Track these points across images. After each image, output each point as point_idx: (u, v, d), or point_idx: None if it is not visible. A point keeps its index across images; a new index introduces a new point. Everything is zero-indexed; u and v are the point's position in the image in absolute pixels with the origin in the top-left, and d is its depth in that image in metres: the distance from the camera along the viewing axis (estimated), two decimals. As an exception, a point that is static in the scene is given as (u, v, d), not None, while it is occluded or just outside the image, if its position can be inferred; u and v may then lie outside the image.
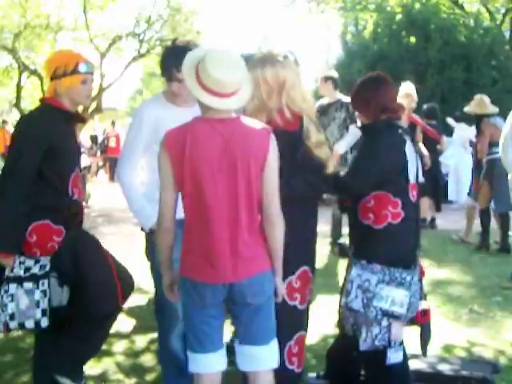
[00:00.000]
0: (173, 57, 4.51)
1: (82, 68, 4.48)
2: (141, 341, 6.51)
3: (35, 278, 4.30)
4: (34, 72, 18.24)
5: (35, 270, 4.32)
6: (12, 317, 4.28)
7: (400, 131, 4.60)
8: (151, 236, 4.59)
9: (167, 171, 3.66)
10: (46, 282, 4.30)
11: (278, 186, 3.76)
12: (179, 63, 4.22)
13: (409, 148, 4.56)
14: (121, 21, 18.24)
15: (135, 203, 4.71)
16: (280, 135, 4.01)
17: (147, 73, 39.36)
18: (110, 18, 18.11)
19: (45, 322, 4.29)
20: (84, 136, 25.73)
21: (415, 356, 5.29)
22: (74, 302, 4.39)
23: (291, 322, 4.30)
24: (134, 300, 7.75)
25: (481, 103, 10.87)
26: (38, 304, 4.28)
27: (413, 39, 20.64)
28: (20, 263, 4.34)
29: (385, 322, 4.37)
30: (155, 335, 5.52)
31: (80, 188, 4.64)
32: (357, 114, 4.85)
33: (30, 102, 21.24)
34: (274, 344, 3.86)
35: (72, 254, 4.36)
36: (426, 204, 12.73)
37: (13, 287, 4.30)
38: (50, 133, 4.37)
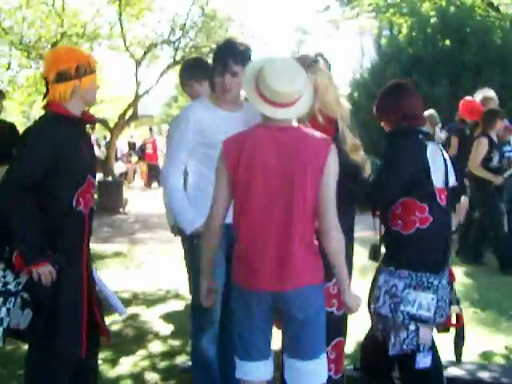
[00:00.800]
0: (229, 48, 4.55)
1: (95, 67, 4.37)
2: (177, 343, 6.60)
3: (7, 294, 4.11)
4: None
5: (11, 286, 4.14)
6: None
7: (421, 137, 4.66)
8: (190, 240, 4.64)
9: (223, 173, 3.67)
10: (13, 300, 4.11)
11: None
12: (236, 55, 4.35)
13: (432, 153, 4.61)
14: (156, 29, 18.32)
15: (179, 206, 4.66)
16: None
17: (182, 80, 39.53)
18: (145, 26, 18.19)
19: (2, 342, 4.12)
20: (121, 142, 25.90)
21: (454, 363, 5.26)
22: (33, 330, 4.15)
23: (328, 328, 4.18)
24: (172, 305, 7.85)
25: None
26: (1, 322, 4.08)
27: (448, 42, 20.49)
28: (3, 276, 4.18)
29: (412, 327, 4.42)
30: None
31: (91, 195, 4.40)
32: (382, 123, 4.89)
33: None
34: (322, 358, 3.82)
35: (54, 283, 4.14)
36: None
37: None
38: (55, 147, 4.13)
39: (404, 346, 4.43)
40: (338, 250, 3.72)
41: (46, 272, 4.06)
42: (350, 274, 4.38)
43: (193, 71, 5.65)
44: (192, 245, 4.65)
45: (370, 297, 4.72)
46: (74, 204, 4.20)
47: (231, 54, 4.48)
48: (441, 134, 12.32)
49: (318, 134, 3.75)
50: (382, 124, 4.87)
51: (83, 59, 4.30)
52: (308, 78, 4.15)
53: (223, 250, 4.37)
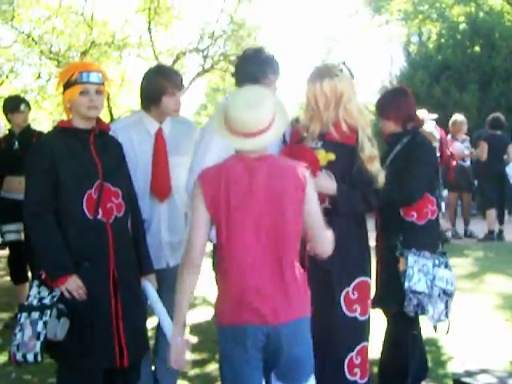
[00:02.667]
0: (259, 58, 4.54)
1: (82, 77, 4.19)
2: (206, 351, 6.61)
3: (42, 308, 4.07)
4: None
5: (46, 300, 4.10)
6: (18, 348, 4.05)
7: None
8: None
9: (201, 209, 3.53)
10: (48, 312, 4.04)
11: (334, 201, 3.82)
12: (272, 67, 4.39)
13: None
14: (185, 37, 18.43)
15: None
16: (337, 147, 4.22)
17: (211, 88, 39.61)
18: (174, 35, 18.28)
19: (40, 357, 4.02)
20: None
21: (485, 371, 5.31)
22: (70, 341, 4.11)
23: (352, 333, 4.31)
24: (200, 313, 7.87)
25: None
26: (38, 336, 4.02)
27: (477, 48, 20.42)
28: (38, 292, 4.16)
29: (444, 299, 4.85)
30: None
31: (115, 204, 4.29)
32: (383, 122, 5.07)
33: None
34: (312, 380, 3.73)
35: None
36: (493, 216, 12.62)
37: (23, 316, 4.09)
38: (53, 157, 4.13)
39: (441, 317, 4.83)
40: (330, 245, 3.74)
41: (73, 286, 4.07)
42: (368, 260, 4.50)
43: None
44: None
45: (380, 290, 4.93)
46: (86, 214, 4.16)
47: (268, 67, 4.48)
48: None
49: (292, 163, 3.69)
50: (385, 124, 5.07)
51: (64, 74, 4.32)
52: (330, 86, 4.22)
53: None
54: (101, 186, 4.22)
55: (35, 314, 4.06)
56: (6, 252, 8.37)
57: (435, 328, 4.89)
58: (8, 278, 8.54)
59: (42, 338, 4.01)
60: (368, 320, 4.44)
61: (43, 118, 21.95)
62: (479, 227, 13.41)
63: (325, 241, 3.70)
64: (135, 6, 17.06)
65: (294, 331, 3.56)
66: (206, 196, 3.51)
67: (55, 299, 4.08)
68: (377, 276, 4.97)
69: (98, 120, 4.40)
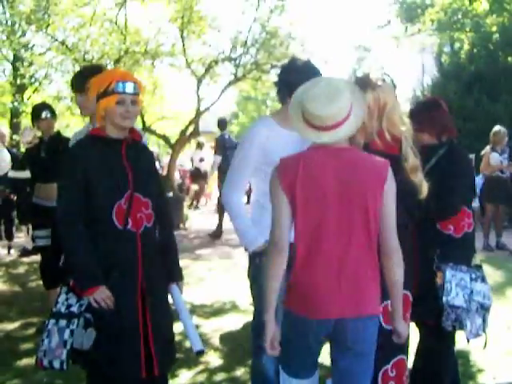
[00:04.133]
0: (309, 72, 4.44)
1: (118, 87, 4.23)
2: (235, 357, 6.65)
3: (70, 316, 4.14)
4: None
5: (74, 308, 4.16)
6: (44, 354, 4.12)
7: None
8: (255, 258, 4.66)
9: (280, 196, 3.57)
10: (76, 321, 4.12)
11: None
12: (307, 74, 4.28)
13: None
14: (217, 46, 18.45)
15: (241, 224, 4.69)
16: (381, 157, 4.16)
17: (243, 96, 39.70)
18: (206, 44, 18.32)
19: (66, 365, 4.09)
20: (185, 159, 26.02)
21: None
22: (97, 351, 4.17)
23: (387, 345, 4.20)
24: (231, 318, 7.90)
25: None
26: (65, 344, 4.09)
27: (510, 59, 20.32)
28: (66, 299, 4.22)
29: (481, 314, 4.82)
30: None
31: (145, 214, 4.32)
32: (417, 134, 4.86)
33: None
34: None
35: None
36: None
37: (51, 323, 4.16)
38: (85, 166, 4.17)
39: (479, 332, 4.83)
40: (397, 279, 3.70)
41: (102, 297, 4.11)
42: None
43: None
44: (255, 264, 4.70)
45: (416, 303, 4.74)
46: (116, 224, 4.20)
47: (304, 73, 4.39)
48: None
49: (374, 157, 3.73)
50: (419, 136, 4.91)
51: (99, 83, 4.33)
52: (373, 97, 4.24)
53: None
54: (131, 196, 4.26)
55: (62, 322, 4.13)
56: (38, 257, 8.44)
57: (468, 341, 4.86)
58: (40, 283, 8.61)
59: (68, 346, 4.08)
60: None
61: (76, 125, 22.14)
62: (509, 239, 13.38)
63: (390, 240, 3.67)
64: (168, 15, 17.13)
65: (362, 327, 3.62)
66: (284, 185, 3.55)
67: (83, 308, 4.13)
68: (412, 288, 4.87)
69: (131, 129, 4.44)
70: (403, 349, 4.42)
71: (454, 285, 4.71)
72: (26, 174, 8.60)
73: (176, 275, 4.61)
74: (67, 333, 4.09)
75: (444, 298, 4.69)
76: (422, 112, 5.10)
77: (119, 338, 4.16)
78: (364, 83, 4.30)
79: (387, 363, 4.33)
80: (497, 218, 13.12)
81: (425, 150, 4.88)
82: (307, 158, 3.62)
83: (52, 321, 4.17)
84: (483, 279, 4.88)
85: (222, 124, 15.58)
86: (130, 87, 4.27)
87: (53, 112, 8.04)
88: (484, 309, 4.85)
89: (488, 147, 12.56)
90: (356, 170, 3.58)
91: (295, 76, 4.44)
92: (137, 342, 4.22)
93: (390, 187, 3.63)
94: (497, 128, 12.83)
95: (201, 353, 4.47)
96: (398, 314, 3.81)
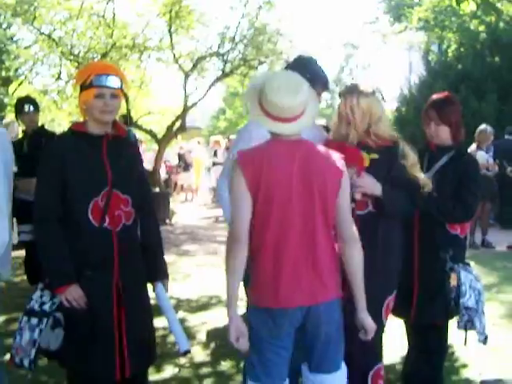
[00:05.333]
0: (303, 68, 4.42)
1: (97, 81, 4.12)
2: (221, 351, 6.66)
3: (41, 315, 4.07)
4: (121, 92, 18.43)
5: (47, 306, 4.10)
6: (16, 351, 4.10)
7: None
8: None
9: (243, 190, 3.56)
10: (45, 320, 4.05)
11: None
12: (322, 79, 4.44)
13: None
14: (205, 41, 18.43)
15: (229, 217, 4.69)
16: (375, 151, 4.28)
17: (230, 92, 39.63)
18: (194, 39, 18.30)
19: (34, 365, 4.09)
20: (171, 154, 25.98)
21: (501, 381, 5.38)
22: (66, 351, 4.13)
23: (381, 344, 4.34)
24: (218, 317, 7.87)
25: None
26: (34, 343, 4.04)
27: (497, 59, 20.35)
28: (40, 296, 4.16)
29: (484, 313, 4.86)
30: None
31: (124, 212, 4.23)
32: (439, 129, 4.88)
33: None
34: (343, 368, 3.85)
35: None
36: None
37: (24, 320, 4.10)
38: (62, 163, 4.08)
39: (486, 331, 4.85)
40: (357, 267, 3.74)
41: (73, 296, 4.04)
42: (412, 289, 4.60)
43: None
44: None
45: (422, 303, 4.81)
46: (92, 221, 4.11)
47: (317, 74, 4.50)
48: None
49: (329, 149, 3.79)
50: (440, 131, 4.88)
51: (82, 73, 4.25)
52: (367, 103, 4.30)
53: None
54: (109, 193, 4.16)
55: (34, 320, 4.08)
56: (23, 252, 8.39)
57: (466, 340, 4.85)
58: (25, 278, 8.57)
59: (36, 345, 4.05)
60: (379, 338, 4.39)
61: (62, 119, 22.04)
62: (497, 238, 13.47)
63: (348, 227, 3.74)
64: (156, 9, 17.09)
65: (331, 310, 3.66)
66: (246, 177, 3.54)
67: (54, 307, 4.07)
68: (414, 288, 4.81)
69: (115, 124, 4.35)
70: (380, 357, 4.46)
71: (468, 286, 4.72)
72: (13, 168, 8.48)
73: (160, 273, 4.52)
74: (37, 332, 4.04)
75: (460, 300, 4.69)
76: (450, 106, 4.94)
77: (92, 338, 4.08)
78: (359, 89, 4.37)
79: (380, 361, 4.39)
80: (482, 216, 13.13)
81: (436, 149, 4.91)
82: (269, 151, 3.63)
83: (25, 318, 4.12)
84: (477, 278, 4.89)
85: None
86: (109, 80, 4.15)
87: (36, 106, 7.97)
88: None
89: (474, 146, 12.59)
90: (317, 162, 3.63)
91: (312, 68, 4.55)
92: (110, 342, 4.14)
93: (346, 182, 3.71)
94: (482, 127, 12.87)
95: (187, 352, 4.43)
96: (361, 306, 3.80)
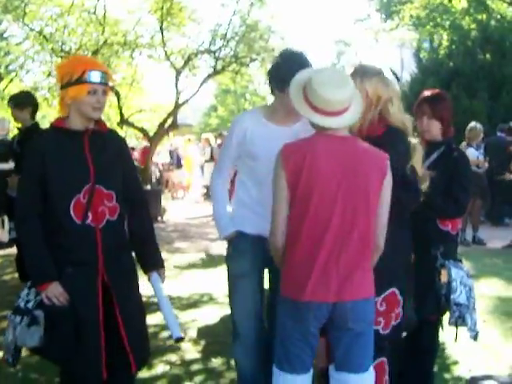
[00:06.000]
0: (295, 62, 4.30)
1: (91, 77, 4.05)
2: (212, 348, 6.67)
3: (25, 312, 4.04)
4: (111, 89, 18.40)
5: (30, 304, 4.07)
6: (2, 348, 4.14)
7: None
8: (228, 247, 4.70)
9: (282, 184, 3.61)
10: (26, 318, 4.03)
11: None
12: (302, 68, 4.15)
13: None
14: (197, 38, 18.39)
15: (219, 209, 4.71)
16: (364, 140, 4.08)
17: (222, 89, 39.58)
18: (186, 36, 18.26)
19: (15, 362, 4.12)
20: (163, 151, 25.93)
21: (490, 377, 5.34)
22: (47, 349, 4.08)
23: (384, 340, 4.23)
24: (208, 314, 7.88)
25: None
26: (16, 341, 4.05)
27: (488, 56, 20.40)
28: (27, 294, 4.13)
29: (475, 309, 4.87)
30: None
31: (108, 208, 4.17)
32: (431, 123, 4.87)
33: (107, 119, 21.58)
34: (371, 371, 3.83)
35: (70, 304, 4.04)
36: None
37: (11, 318, 4.09)
38: (43, 160, 4.02)
39: (476, 327, 4.83)
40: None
41: (54, 293, 3.99)
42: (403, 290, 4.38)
43: None
44: (227, 252, 4.74)
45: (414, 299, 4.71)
46: (74, 218, 4.05)
47: (298, 67, 4.17)
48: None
49: (375, 148, 3.76)
50: (432, 126, 4.89)
51: (68, 69, 4.15)
52: (372, 86, 4.18)
53: (258, 261, 4.47)
54: (92, 189, 4.10)
55: (18, 318, 4.05)
56: (14, 250, 8.39)
57: (456, 337, 4.85)
58: (16, 276, 8.56)
59: (16, 343, 4.05)
60: (389, 334, 4.31)
61: (54, 116, 21.94)
62: (488, 235, 13.52)
63: (383, 233, 3.76)
64: (148, 6, 17.05)
65: (360, 309, 3.67)
66: (286, 170, 3.58)
67: (35, 305, 4.04)
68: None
69: (97, 120, 4.29)
70: (385, 351, 4.31)
71: (459, 282, 4.72)
72: (9, 165, 8.41)
73: (155, 263, 4.47)
74: (18, 329, 4.02)
75: (451, 296, 4.70)
76: (442, 101, 4.98)
77: (76, 336, 4.02)
78: (362, 72, 4.25)
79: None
80: (473, 213, 13.16)
81: (428, 145, 4.84)
82: (314, 145, 3.64)
83: (12, 316, 4.10)
84: (469, 274, 4.89)
85: None
86: (101, 77, 4.11)
87: (25, 102, 7.91)
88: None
89: (464, 143, 12.64)
90: (360, 161, 3.63)
91: (284, 69, 4.32)
92: (96, 340, 4.09)
93: (389, 182, 3.69)
94: (472, 124, 12.92)
95: (180, 340, 4.37)
96: None
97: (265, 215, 4.01)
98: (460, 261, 4.92)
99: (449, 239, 4.90)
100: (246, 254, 4.52)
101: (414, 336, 4.82)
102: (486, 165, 13.42)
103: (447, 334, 5.02)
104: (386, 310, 4.22)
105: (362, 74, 4.22)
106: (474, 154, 12.64)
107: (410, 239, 4.44)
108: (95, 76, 4.07)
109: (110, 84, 4.22)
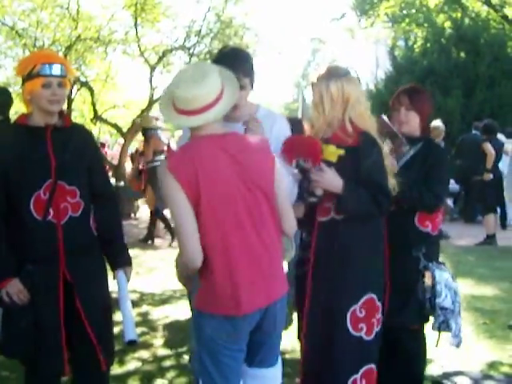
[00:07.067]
0: (236, 61, 4.11)
1: (44, 70, 3.99)
2: (184, 345, 6.61)
3: None
4: (84, 84, 18.35)
5: None
6: None
7: None
8: None
9: (181, 197, 3.36)
10: None
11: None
12: (244, 67, 4.11)
13: None
14: (171, 34, 18.36)
15: None
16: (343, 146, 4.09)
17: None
18: (160, 32, 18.22)
19: None
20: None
21: (461, 373, 5.35)
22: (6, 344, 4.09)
23: (356, 354, 4.12)
24: (178, 310, 7.87)
25: None
26: None
27: (462, 54, 20.53)
28: None
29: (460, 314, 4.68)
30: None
31: (70, 204, 4.09)
32: (411, 116, 4.74)
33: (80, 115, 21.47)
34: (280, 361, 3.87)
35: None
36: (492, 221, 12.74)
37: None
38: (2, 157, 4.00)
39: (461, 333, 4.66)
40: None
41: (13, 290, 3.95)
42: (384, 290, 4.34)
43: None
44: None
45: (395, 305, 4.57)
46: (34, 215, 4.00)
47: (240, 66, 4.11)
48: None
49: (254, 137, 3.68)
50: (411, 120, 4.73)
51: (24, 65, 4.13)
52: (336, 88, 4.09)
53: None
54: (53, 185, 4.03)
55: None
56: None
57: (438, 342, 4.70)
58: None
59: None
60: (374, 341, 4.21)
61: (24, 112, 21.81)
62: (460, 232, 13.63)
63: (290, 220, 3.68)
64: (122, 2, 16.98)
65: (282, 306, 3.62)
66: (182, 182, 3.36)
67: None
68: (386, 289, 4.48)
69: (61, 114, 4.24)
70: (373, 357, 4.24)
71: (443, 286, 4.56)
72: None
73: (121, 261, 4.38)
74: None
75: (436, 300, 4.55)
76: (423, 94, 4.87)
77: (35, 334, 3.98)
78: (328, 74, 4.17)
79: (356, 373, 4.14)
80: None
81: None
82: (198, 149, 3.46)
83: None
84: (454, 277, 4.70)
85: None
86: (56, 69, 4.04)
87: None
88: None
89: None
90: (249, 153, 3.51)
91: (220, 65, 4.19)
92: (56, 337, 4.04)
93: (278, 162, 3.62)
94: (436, 123, 13.08)
95: (132, 343, 4.21)
96: None
97: None
98: (443, 264, 4.73)
99: (430, 240, 4.69)
100: None
101: (395, 343, 4.66)
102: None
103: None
104: (365, 316, 4.12)
105: (328, 76, 4.15)
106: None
107: (381, 242, 4.33)
108: (47, 69, 4.02)
109: (61, 74, 4.07)
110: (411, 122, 4.74)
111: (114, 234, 4.41)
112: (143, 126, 13.68)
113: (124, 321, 4.21)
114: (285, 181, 3.67)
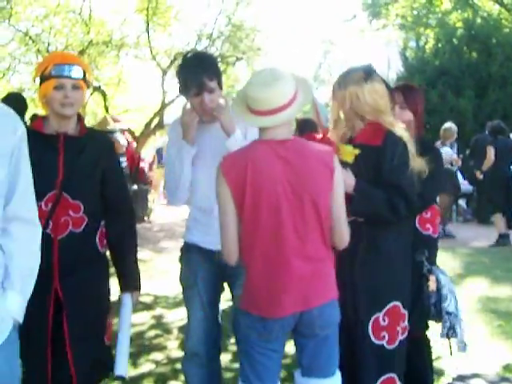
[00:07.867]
0: (200, 65, 4.11)
1: (55, 71, 3.78)
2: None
3: None
4: (97, 89, 18.42)
5: None
6: None
7: None
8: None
9: (227, 198, 3.45)
10: None
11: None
12: (209, 70, 4.07)
13: None
14: (182, 38, 18.44)
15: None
16: (361, 148, 4.01)
17: (207, 89, 39.52)
18: (172, 36, 18.28)
19: None
20: (150, 151, 25.88)
21: (477, 375, 5.34)
22: None
23: (376, 362, 4.03)
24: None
25: None
26: None
27: (474, 54, 20.46)
28: None
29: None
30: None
31: (72, 218, 3.88)
32: (400, 116, 4.51)
33: (93, 119, 21.55)
34: (338, 375, 3.73)
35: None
36: (501, 220, 12.69)
37: None
38: None
39: (465, 339, 4.54)
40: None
41: None
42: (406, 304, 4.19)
43: None
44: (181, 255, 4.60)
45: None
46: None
47: (204, 71, 4.08)
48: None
49: (318, 145, 3.67)
50: (403, 115, 4.56)
51: (41, 65, 3.94)
52: (356, 91, 4.02)
53: (206, 274, 4.30)
54: (57, 197, 3.83)
55: None
56: None
57: (451, 350, 4.62)
58: None
59: None
60: (397, 349, 4.11)
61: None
62: (474, 233, 13.57)
63: (342, 234, 3.64)
64: (133, 6, 17.04)
65: (325, 313, 3.57)
66: (230, 185, 3.44)
67: None
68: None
69: (79, 119, 4.05)
70: (393, 367, 4.13)
71: (448, 290, 4.49)
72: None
73: (128, 284, 4.19)
74: None
75: (442, 305, 4.48)
76: (415, 92, 4.75)
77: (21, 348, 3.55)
78: (347, 77, 4.12)
79: (375, 381, 4.06)
80: (441, 207, 13.25)
81: None
82: (254, 152, 3.52)
83: None
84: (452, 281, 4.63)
85: None
86: (70, 70, 3.81)
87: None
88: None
89: (439, 142, 12.84)
90: (304, 161, 3.49)
91: (183, 72, 4.21)
92: (41, 353, 3.83)
93: (338, 174, 3.58)
94: (448, 125, 13.11)
95: (120, 378, 4.08)
96: None
97: (210, 225, 4.09)
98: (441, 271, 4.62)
99: (431, 244, 4.61)
100: (190, 264, 4.43)
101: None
102: (460, 163, 13.95)
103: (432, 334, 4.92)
104: (389, 324, 4.04)
105: (344, 82, 4.09)
106: (449, 152, 12.97)
107: (409, 248, 4.24)
108: (59, 70, 3.80)
109: (76, 76, 3.85)
110: (405, 121, 4.49)
111: (123, 253, 4.20)
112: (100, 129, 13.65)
113: (117, 354, 4.05)
114: (342, 194, 3.60)
